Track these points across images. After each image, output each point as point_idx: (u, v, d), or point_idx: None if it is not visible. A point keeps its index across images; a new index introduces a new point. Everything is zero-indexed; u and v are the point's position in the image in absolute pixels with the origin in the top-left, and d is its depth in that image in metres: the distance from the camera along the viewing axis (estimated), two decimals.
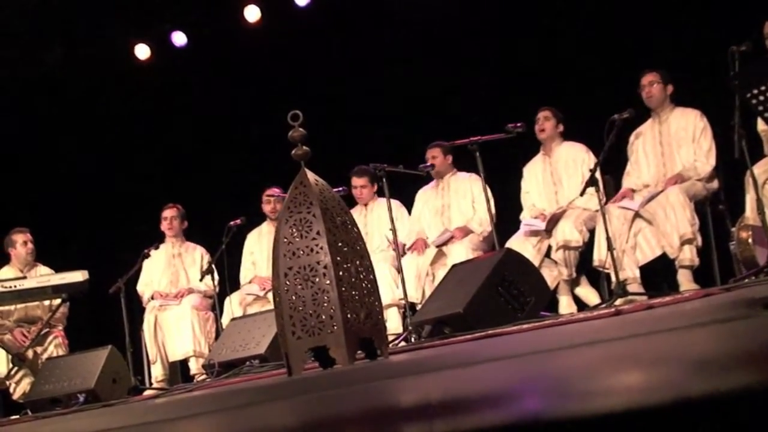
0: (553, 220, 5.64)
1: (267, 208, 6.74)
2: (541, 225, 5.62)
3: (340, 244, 3.18)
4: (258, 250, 6.83)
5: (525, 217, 5.90)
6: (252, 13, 7.68)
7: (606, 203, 5.26)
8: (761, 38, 4.94)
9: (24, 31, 7.51)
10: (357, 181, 6.54)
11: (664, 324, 1.79)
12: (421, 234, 6.29)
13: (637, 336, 1.68)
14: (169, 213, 6.88)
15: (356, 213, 6.48)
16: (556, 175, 5.90)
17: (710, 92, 5.19)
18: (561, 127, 5.93)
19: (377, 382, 2.14)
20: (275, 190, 6.59)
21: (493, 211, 5.80)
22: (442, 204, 6.31)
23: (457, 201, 6.26)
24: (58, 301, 6.31)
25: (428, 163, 6.10)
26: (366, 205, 6.64)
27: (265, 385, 3.18)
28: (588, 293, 5.62)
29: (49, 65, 7.81)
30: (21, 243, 6.68)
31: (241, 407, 2.30)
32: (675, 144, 5.47)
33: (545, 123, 5.88)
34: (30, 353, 6.37)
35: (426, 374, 2.08)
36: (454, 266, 5.12)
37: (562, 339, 2.46)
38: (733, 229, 4.85)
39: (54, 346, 6.43)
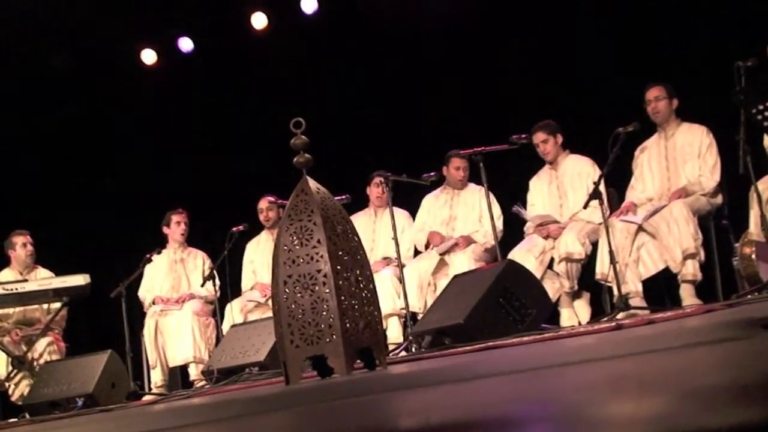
0: (549, 227, 5.62)
1: (261, 216, 6.75)
2: (527, 214, 5.61)
3: (340, 252, 3.17)
4: (257, 258, 6.83)
5: (528, 228, 5.87)
6: (259, 20, 7.69)
7: (609, 216, 5.24)
8: (765, 55, 4.92)
9: (30, 34, 7.52)
10: (380, 179, 6.18)
11: (663, 343, 1.78)
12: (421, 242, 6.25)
13: (637, 354, 1.66)
14: (181, 218, 6.87)
15: (366, 218, 6.47)
16: (562, 188, 5.88)
17: (716, 107, 5.18)
18: (560, 139, 5.89)
19: (375, 394, 2.12)
20: (269, 198, 6.60)
21: (500, 227, 5.80)
22: (449, 215, 6.28)
23: (465, 213, 6.23)
24: (58, 304, 6.31)
25: (432, 173, 6.04)
26: (376, 212, 6.59)
27: (261, 395, 3.16)
28: (581, 309, 5.58)
29: (55, 68, 7.82)
30: (21, 245, 6.69)
31: (237, 417, 2.28)
32: (680, 159, 5.46)
33: (545, 146, 5.85)
34: (28, 355, 6.36)
35: (423, 388, 2.07)
36: (455, 277, 5.10)
37: (562, 356, 2.44)
38: (737, 245, 4.83)
39: (48, 353, 6.41)
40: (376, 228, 6.51)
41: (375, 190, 6.48)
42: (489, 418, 1.17)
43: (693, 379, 1.15)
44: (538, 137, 5.83)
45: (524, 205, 6.01)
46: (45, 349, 6.43)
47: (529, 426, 1.05)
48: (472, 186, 6.27)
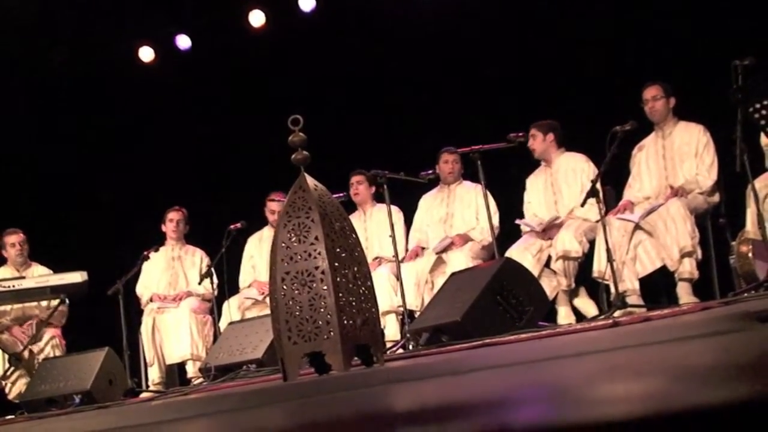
0: (553, 229, 5.63)
1: (270, 217, 6.69)
2: (535, 225, 5.64)
3: (338, 249, 3.18)
4: (258, 254, 6.83)
5: (526, 227, 5.88)
6: (257, 18, 7.69)
7: (606, 214, 5.25)
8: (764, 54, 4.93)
9: (29, 31, 7.52)
10: (353, 179, 6.55)
11: (659, 335, 1.79)
12: (420, 243, 6.29)
13: (632, 346, 1.67)
14: (175, 216, 6.87)
15: (356, 219, 6.48)
16: (556, 185, 5.90)
17: (713, 106, 5.18)
18: (551, 137, 5.90)
19: (372, 388, 2.13)
20: (279, 197, 6.57)
21: (496, 223, 5.81)
22: (446, 212, 6.30)
23: (461, 210, 6.25)
24: (56, 301, 6.32)
25: (430, 171, 6.06)
26: (365, 211, 6.63)
27: (259, 390, 3.17)
28: (586, 305, 5.60)
29: (53, 66, 7.81)
30: (10, 245, 6.71)
31: (235, 411, 2.29)
32: (678, 158, 5.47)
33: (533, 142, 5.88)
34: (26, 353, 6.37)
35: (420, 381, 2.08)
36: (453, 274, 5.11)
37: (558, 349, 2.45)
38: (734, 243, 4.85)
39: (51, 347, 6.42)
40: (367, 227, 6.53)
41: (351, 189, 6.53)
42: (485, 400, 1.18)
43: (685, 364, 1.15)
44: (531, 132, 5.88)
45: (521, 202, 6.04)
46: (48, 342, 6.43)
47: (523, 407, 1.06)
48: (467, 183, 6.29)
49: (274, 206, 6.61)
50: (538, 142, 5.87)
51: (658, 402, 0.87)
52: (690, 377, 1.01)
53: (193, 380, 6.19)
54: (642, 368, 1.22)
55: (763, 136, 4.92)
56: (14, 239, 6.70)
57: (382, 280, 5.85)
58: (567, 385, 1.20)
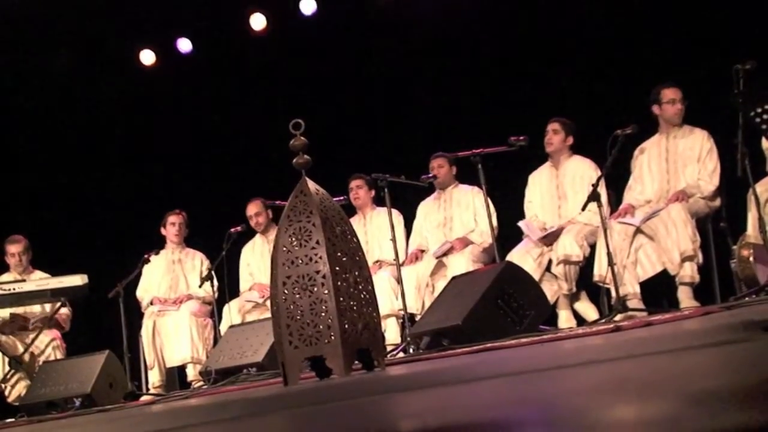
0: (552, 236, 5.61)
1: (251, 223, 6.76)
2: (535, 234, 5.62)
3: (339, 254, 3.17)
4: (254, 260, 6.84)
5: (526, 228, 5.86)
6: (258, 21, 7.70)
7: (608, 218, 5.24)
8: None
9: (30, 35, 7.52)
10: (353, 183, 6.56)
11: (662, 345, 1.78)
12: (420, 246, 6.29)
13: (635, 357, 1.66)
14: (176, 219, 6.88)
15: (356, 223, 6.48)
16: (562, 189, 5.88)
17: (714, 110, 5.18)
18: (570, 140, 5.88)
19: (373, 396, 2.12)
20: (255, 202, 6.67)
21: (495, 224, 5.80)
22: (444, 217, 6.29)
23: (459, 213, 6.25)
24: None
25: (431, 174, 6.07)
26: (365, 214, 6.63)
27: (260, 397, 3.16)
28: (587, 309, 5.60)
29: (54, 69, 7.81)
30: (10, 255, 6.71)
31: (235, 419, 2.28)
32: (681, 162, 5.46)
33: (554, 137, 5.85)
34: (26, 356, 6.36)
35: (422, 389, 2.07)
36: (453, 278, 5.10)
37: (561, 358, 2.44)
38: (735, 247, 4.84)
39: (51, 349, 6.42)
40: (367, 230, 6.53)
41: (351, 194, 6.54)
42: (487, 420, 1.17)
43: (693, 382, 1.15)
44: (552, 126, 5.85)
45: (520, 205, 6.03)
46: (48, 345, 6.42)
47: (528, 429, 1.05)
48: (463, 186, 6.29)
49: (248, 209, 6.68)
50: (559, 139, 5.84)
51: (664, 428, 0.86)
52: (696, 397, 0.99)
53: (193, 383, 6.19)
54: (646, 383, 1.21)
55: (764, 140, 4.92)
56: (14, 249, 6.70)
57: (382, 283, 5.85)
58: (569, 406, 1.19)
